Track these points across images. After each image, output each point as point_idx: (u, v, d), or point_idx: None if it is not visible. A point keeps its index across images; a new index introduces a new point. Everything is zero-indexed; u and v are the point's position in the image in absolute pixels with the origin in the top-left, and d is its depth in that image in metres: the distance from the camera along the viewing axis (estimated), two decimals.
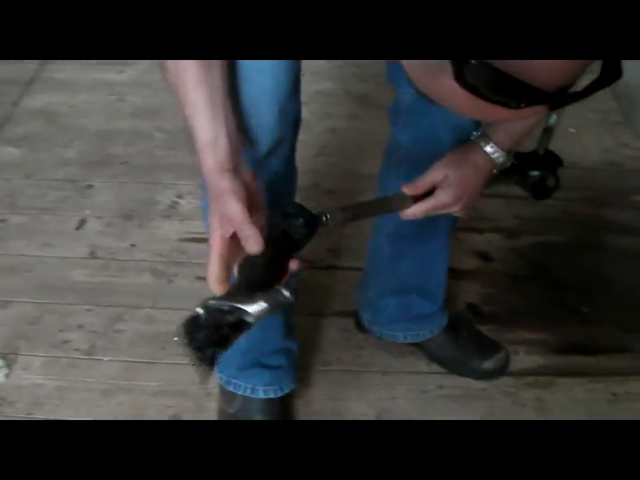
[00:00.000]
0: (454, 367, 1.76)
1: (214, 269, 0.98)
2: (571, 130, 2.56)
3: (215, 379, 1.64)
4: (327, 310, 1.92)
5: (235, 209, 0.97)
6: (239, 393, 1.61)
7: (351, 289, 1.89)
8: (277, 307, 0.90)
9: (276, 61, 1.14)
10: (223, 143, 1.01)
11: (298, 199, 1.31)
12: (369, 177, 1.69)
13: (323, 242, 2.11)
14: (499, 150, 1.25)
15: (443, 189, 1.23)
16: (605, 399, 1.70)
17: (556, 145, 1.35)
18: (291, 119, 1.25)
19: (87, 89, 2.81)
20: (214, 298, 0.89)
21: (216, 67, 1.03)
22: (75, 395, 1.71)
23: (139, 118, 2.65)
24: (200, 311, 0.86)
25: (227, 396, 1.64)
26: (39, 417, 1.65)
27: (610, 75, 0.72)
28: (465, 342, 1.76)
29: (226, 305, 0.87)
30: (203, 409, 1.68)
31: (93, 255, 2.10)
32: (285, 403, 1.65)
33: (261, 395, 1.60)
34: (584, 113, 2.62)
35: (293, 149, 1.31)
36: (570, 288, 2.00)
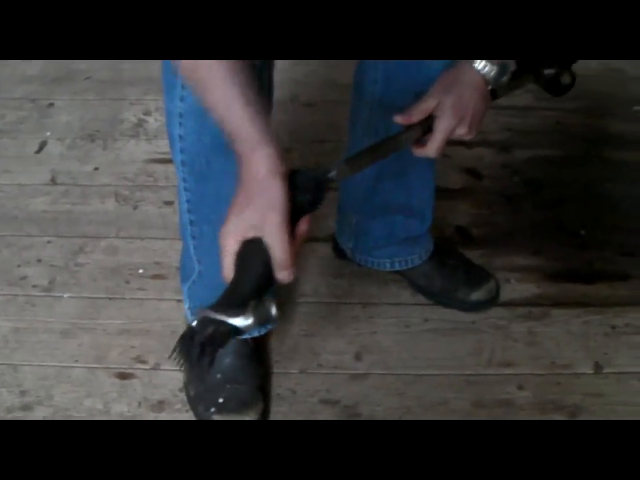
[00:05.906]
0: (440, 298, 1.62)
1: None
2: None
3: (185, 315, 1.51)
4: None
5: (284, 226, 0.93)
6: None
7: (328, 211, 1.69)
8: (264, 323, 0.92)
9: None
10: (273, 142, 0.93)
11: (275, 113, 1.18)
12: (349, 86, 1.53)
13: (300, 160, 1.95)
14: (489, 63, 1.17)
15: (441, 116, 1.18)
16: (603, 331, 1.56)
17: None
18: None
19: None
20: (207, 309, 0.91)
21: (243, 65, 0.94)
22: (33, 336, 1.58)
23: None
24: (194, 324, 0.91)
25: None
26: None
27: None
28: (452, 271, 1.62)
29: (218, 318, 0.90)
30: (168, 349, 1.54)
31: (53, 181, 1.95)
32: (258, 342, 1.52)
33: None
34: None
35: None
36: (566, 208, 1.85)
